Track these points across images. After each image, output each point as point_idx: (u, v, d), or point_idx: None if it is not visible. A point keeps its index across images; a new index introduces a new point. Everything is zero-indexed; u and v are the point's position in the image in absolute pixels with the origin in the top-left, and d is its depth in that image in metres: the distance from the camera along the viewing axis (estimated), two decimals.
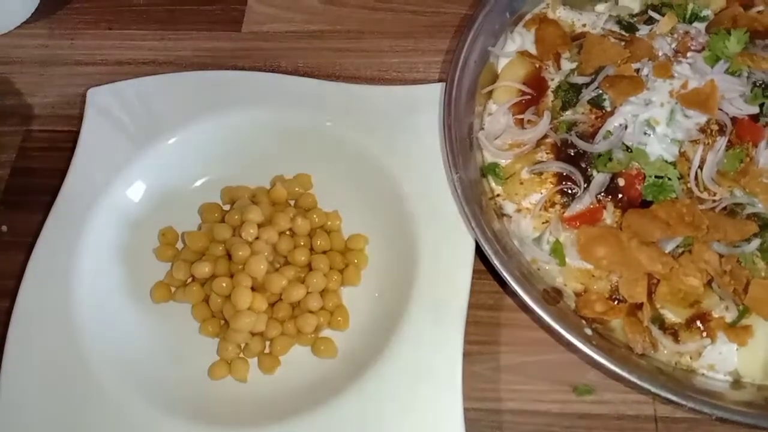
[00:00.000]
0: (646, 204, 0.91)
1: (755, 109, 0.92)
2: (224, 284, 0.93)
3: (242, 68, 1.16)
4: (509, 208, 0.97)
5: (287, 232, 0.99)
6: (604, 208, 0.93)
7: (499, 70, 1.07)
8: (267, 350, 0.95)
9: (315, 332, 0.95)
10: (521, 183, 0.97)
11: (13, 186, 1.10)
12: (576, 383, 0.92)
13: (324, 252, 0.99)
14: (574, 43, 1.05)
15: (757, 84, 0.93)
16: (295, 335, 0.95)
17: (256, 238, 0.95)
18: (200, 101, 1.06)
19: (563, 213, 0.94)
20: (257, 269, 0.93)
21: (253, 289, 0.94)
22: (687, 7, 1.04)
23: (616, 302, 0.90)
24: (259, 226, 0.96)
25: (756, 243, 0.87)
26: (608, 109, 0.96)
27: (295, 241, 0.98)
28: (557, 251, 0.92)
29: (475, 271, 0.93)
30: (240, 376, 0.93)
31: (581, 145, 0.95)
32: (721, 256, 0.88)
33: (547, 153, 0.98)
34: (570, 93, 0.99)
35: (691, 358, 0.89)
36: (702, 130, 0.92)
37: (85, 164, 1.02)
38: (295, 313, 0.95)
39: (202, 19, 1.23)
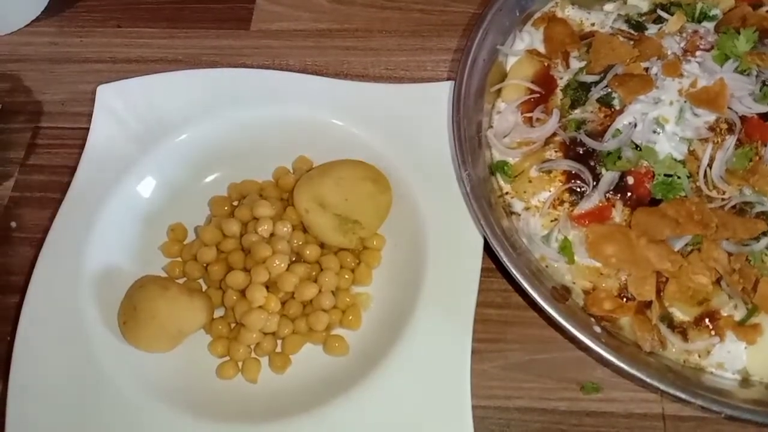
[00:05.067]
0: (655, 202, 0.91)
1: (765, 108, 0.92)
2: (240, 278, 0.94)
3: (251, 66, 1.16)
4: (518, 206, 0.98)
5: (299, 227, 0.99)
6: (613, 206, 0.93)
7: (508, 69, 1.07)
8: (278, 349, 0.95)
9: (326, 330, 0.95)
10: (530, 181, 0.97)
11: (22, 183, 1.10)
12: (584, 381, 0.92)
13: (335, 252, 0.99)
14: (583, 41, 1.05)
15: (767, 83, 0.93)
16: (306, 333, 0.95)
17: (272, 235, 0.96)
18: (209, 99, 1.06)
19: (572, 211, 0.94)
20: (279, 268, 0.93)
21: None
22: (696, 6, 1.04)
23: (624, 300, 0.90)
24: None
25: (765, 241, 0.87)
26: (617, 108, 0.97)
27: (306, 237, 0.99)
28: (566, 249, 0.92)
29: (483, 269, 0.94)
30: (251, 377, 0.93)
31: (590, 143, 0.95)
32: (730, 254, 0.88)
33: (555, 151, 0.98)
34: (579, 91, 1.00)
35: (699, 356, 0.89)
36: (711, 129, 0.92)
37: (94, 161, 1.03)
38: (307, 311, 0.96)
39: (211, 17, 1.23)
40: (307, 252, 0.97)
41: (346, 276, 0.97)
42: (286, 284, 0.93)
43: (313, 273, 0.97)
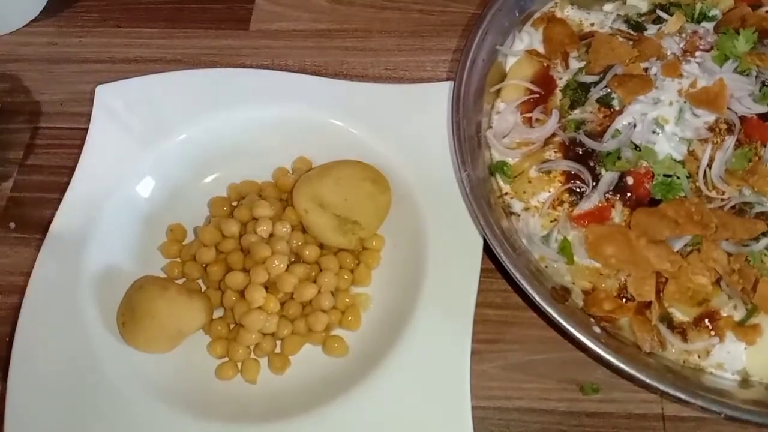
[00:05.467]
0: (654, 202, 0.92)
1: (764, 108, 0.92)
2: (239, 279, 0.94)
3: (250, 66, 1.16)
4: (517, 206, 0.98)
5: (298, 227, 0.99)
6: (613, 206, 0.93)
7: (507, 69, 1.07)
8: (278, 350, 0.95)
9: (326, 331, 0.95)
10: (529, 181, 0.97)
11: (21, 183, 1.10)
12: (583, 382, 0.92)
13: (335, 253, 0.99)
14: (582, 42, 1.05)
15: (766, 83, 0.94)
16: (305, 334, 0.95)
17: (271, 235, 0.96)
18: (208, 99, 1.06)
19: (571, 211, 0.94)
20: (278, 269, 0.93)
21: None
22: (695, 6, 1.04)
23: (624, 301, 0.90)
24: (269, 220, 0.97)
25: (765, 242, 0.87)
26: (617, 108, 0.97)
27: (306, 238, 0.99)
28: (565, 249, 0.92)
29: (482, 270, 0.94)
30: (250, 378, 0.93)
31: (590, 143, 0.95)
32: (729, 254, 0.88)
33: (555, 152, 0.98)
34: (578, 92, 1.00)
35: (699, 356, 0.89)
36: (711, 129, 0.93)
37: (93, 161, 1.03)
38: (306, 311, 0.95)
39: (210, 17, 1.23)
40: (307, 252, 0.97)
41: (345, 276, 0.97)
42: (285, 285, 0.93)
43: (313, 273, 0.96)
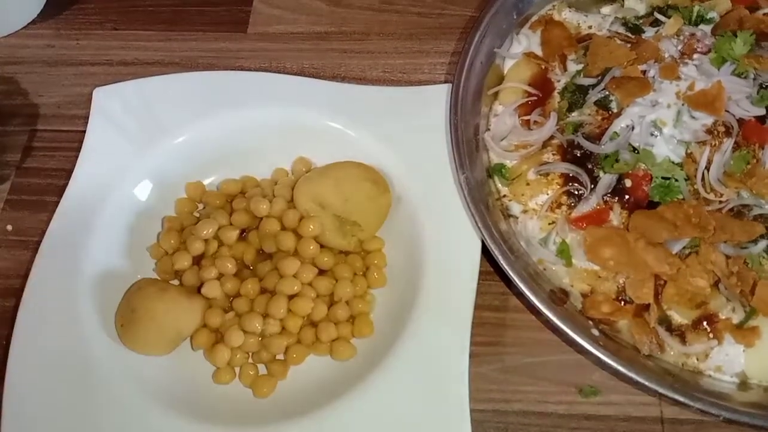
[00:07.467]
0: (652, 205, 0.92)
1: (762, 111, 0.93)
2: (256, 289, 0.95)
3: (248, 69, 1.16)
4: (515, 208, 0.98)
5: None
6: (611, 209, 0.93)
7: (505, 72, 1.07)
8: (281, 356, 0.94)
9: (334, 341, 0.93)
10: (527, 184, 0.97)
11: (18, 186, 1.10)
12: (582, 384, 0.92)
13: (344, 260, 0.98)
14: (580, 44, 1.05)
15: (764, 86, 0.94)
16: (311, 345, 0.94)
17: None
18: (206, 101, 1.06)
19: (570, 214, 0.94)
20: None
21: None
22: (693, 9, 1.04)
23: (622, 303, 0.90)
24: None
25: (763, 244, 0.88)
26: (615, 111, 0.97)
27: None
28: (564, 252, 0.92)
29: (481, 272, 0.93)
30: (248, 383, 0.92)
31: (588, 146, 0.95)
32: (727, 257, 0.88)
33: (553, 154, 0.98)
34: (576, 94, 1.00)
35: (697, 359, 0.89)
36: (709, 132, 0.93)
37: (91, 163, 1.02)
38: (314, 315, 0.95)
39: (208, 20, 1.23)
40: (322, 259, 0.96)
41: (360, 283, 0.96)
42: (301, 310, 0.93)
43: (323, 282, 0.95)
